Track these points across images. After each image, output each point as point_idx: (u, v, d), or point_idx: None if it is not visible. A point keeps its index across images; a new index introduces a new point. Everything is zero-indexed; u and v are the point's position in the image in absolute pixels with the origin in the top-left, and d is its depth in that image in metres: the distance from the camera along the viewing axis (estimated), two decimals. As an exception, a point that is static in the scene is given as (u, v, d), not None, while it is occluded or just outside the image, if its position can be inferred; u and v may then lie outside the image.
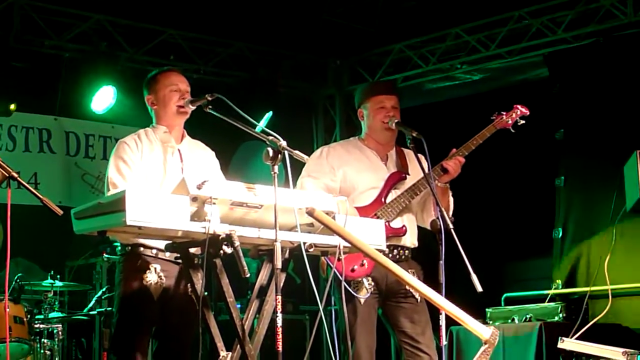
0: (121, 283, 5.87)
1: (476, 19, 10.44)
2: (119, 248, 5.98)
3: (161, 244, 5.71)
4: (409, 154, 6.26)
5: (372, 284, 5.95)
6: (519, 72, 10.70)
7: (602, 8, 9.62)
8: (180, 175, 5.24)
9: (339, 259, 5.63)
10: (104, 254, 7.82)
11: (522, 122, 6.16)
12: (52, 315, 7.58)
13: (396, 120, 6.08)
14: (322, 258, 5.68)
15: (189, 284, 5.77)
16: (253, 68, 10.97)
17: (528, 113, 6.19)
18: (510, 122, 6.14)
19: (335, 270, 5.67)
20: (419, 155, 5.86)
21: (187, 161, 5.98)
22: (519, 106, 6.17)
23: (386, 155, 6.30)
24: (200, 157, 6.12)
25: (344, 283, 5.47)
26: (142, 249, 5.82)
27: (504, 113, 6.15)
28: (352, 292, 5.84)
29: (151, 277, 5.78)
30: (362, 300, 5.92)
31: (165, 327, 5.90)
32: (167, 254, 5.76)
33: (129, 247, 5.84)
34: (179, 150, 5.99)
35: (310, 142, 11.23)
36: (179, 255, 5.47)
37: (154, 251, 5.82)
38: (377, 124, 6.20)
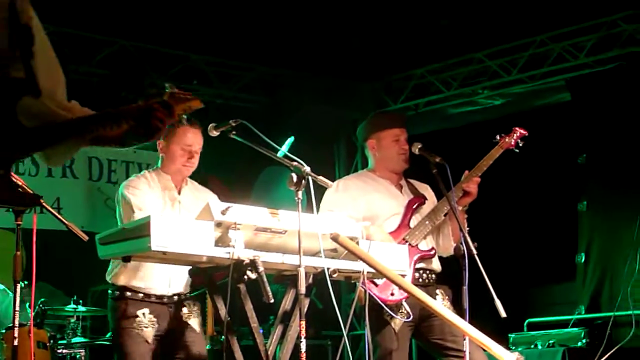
0: (116, 333, 5.89)
1: (498, 44, 10.47)
2: (109, 291, 5.96)
3: (148, 284, 5.85)
4: (417, 183, 6.42)
5: (408, 311, 5.94)
6: (541, 96, 10.70)
7: (625, 33, 9.63)
8: None
9: (375, 284, 5.76)
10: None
11: (522, 142, 6.24)
12: (74, 340, 7.58)
13: (420, 146, 6.11)
14: (360, 286, 5.66)
15: (183, 317, 5.88)
16: (275, 92, 11.00)
17: (527, 134, 6.26)
18: (513, 143, 6.23)
19: (375, 297, 5.77)
20: (448, 178, 5.90)
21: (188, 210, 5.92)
22: (517, 128, 6.26)
23: (399, 184, 6.37)
24: (203, 202, 6.10)
25: (367, 309, 5.48)
26: (129, 293, 5.82)
27: (505, 135, 6.25)
28: (392, 315, 5.84)
29: (142, 323, 5.80)
30: (399, 327, 5.92)
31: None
32: (155, 295, 5.85)
33: (117, 292, 5.86)
34: (179, 202, 6.04)
35: (332, 166, 11.23)
36: (171, 293, 5.66)
37: (140, 295, 5.84)
38: (392, 155, 6.26)
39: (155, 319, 5.85)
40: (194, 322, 5.95)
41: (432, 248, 6.15)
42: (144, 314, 5.82)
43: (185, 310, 5.92)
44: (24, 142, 3.07)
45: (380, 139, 6.31)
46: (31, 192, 4.85)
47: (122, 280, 5.83)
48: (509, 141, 6.20)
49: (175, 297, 5.90)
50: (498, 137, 6.22)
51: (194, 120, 5.74)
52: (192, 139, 5.96)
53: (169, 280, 5.80)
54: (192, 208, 5.83)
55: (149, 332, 5.82)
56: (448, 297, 6.00)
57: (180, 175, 6.06)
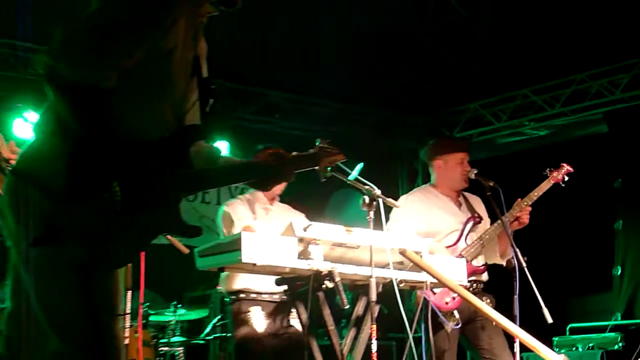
0: (233, 328, 6.04)
1: (543, 81, 10.43)
2: (226, 298, 6.10)
3: (258, 286, 5.96)
4: (471, 197, 6.42)
5: (458, 316, 5.97)
6: (581, 128, 10.65)
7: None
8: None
9: (433, 293, 5.75)
10: (217, 287, 7.93)
11: (567, 178, 6.22)
12: (173, 339, 7.68)
13: (475, 171, 6.14)
14: (418, 292, 5.69)
15: (288, 317, 5.95)
16: (344, 125, 11.05)
17: (572, 170, 6.22)
18: (560, 177, 6.20)
19: (434, 305, 5.76)
20: (501, 202, 5.92)
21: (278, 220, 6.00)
22: (565, 164, 6.23)
23: (458, 200, 6.36)
24: (291, 218, 6.11)
25: (428, 313, 5.52)
26: (242, 295, 5.95)
27: (555, 170, 6.22)
28: (445, 321, 5.83)
29: (254, 317, 5.91)
30: (450, 329, 5.91)
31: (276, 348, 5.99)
32: (265, 294, 5.95)
33: (233, 296, 6.00)
34: (271, 211, 6.20)
35: (395, 188, 11.23)
36: (280, 292, 5.71)
37: (253, 295, 5.95)
38: (457, 175, 6.27)
39: (266, 314, 5.97)
40: (296, 323, 5.94)
41: (484, 264, 6.16)
42: (256, 310, 5.94)
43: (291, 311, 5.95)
44: (195, 182, 3.15)
45: (447, 161, 6.32)
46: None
47: (235, 285, 5.96)
48: (556, 176, 6.19)
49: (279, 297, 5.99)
50: (548, 171, 6.20)
51: None
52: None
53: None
54: (282, 220, 5.88)
55: (260, 325, 5.93)
56: (492, 304, 5.97)
57: (272, 195, 6.23)
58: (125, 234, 2.85)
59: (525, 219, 6.09)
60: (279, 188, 6.11)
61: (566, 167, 6.19)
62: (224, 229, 6.01)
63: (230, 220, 5.97)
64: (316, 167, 3.40)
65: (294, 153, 3.33)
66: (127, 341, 5.03)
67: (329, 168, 3.46)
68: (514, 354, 5.59)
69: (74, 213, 2.80)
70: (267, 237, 4.89)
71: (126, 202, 2.79)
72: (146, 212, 2.87)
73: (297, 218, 6.04)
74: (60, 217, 2.80)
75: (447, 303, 5.89)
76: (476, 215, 6.27)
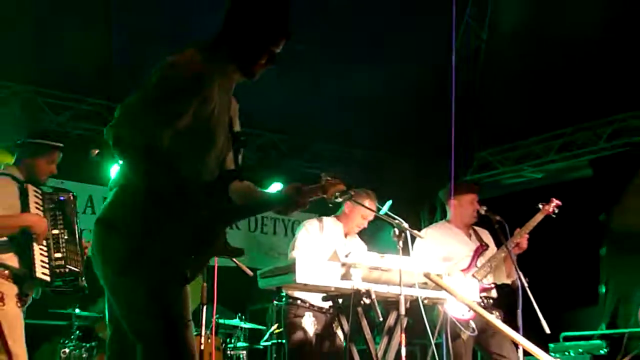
0: (287, 325, 5.99)
1: (540, 133, 10.46)
2: (285, 296, 6.03)
3: (312, 298, 5.91)
4: (479, 229, 6.41)
5: (474, 325, 5.96)
6: (571, 171, 10.58)
7: (631, 125, 9.60)
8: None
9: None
10: (274, 301, 7.94)
11: (558, 210, 6.21)
12: (239, 345, 7.64)
13: (485, 208, 6.17)
14: (439, 307, 5.69)
15: (333, 325, 5.86)
16: (379, 171, 11.05)
17: (561, 204, 6.21)
18: (550, 210, 6.20)
19: (453, 317, 5.78)
20: (505, 232, 5.94)
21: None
22: (554, 199, 6.22)
23: (469, 232, 6.37)
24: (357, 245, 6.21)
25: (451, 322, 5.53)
26: (299, 301, 5.93)
27: (546, 204, 6.22)
28: (463, 329, 5.83)
29: (306, 322, 5.88)
30: (466, 337, 5.91)
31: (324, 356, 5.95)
32: (317, 305, 5.91)
33: (291, 299, 5.97)
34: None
35: (418, 222, 11.21)
36: (328, 305, 5.65)
37: (307, 304, 5.94)
38: (469, 212, 6.31)
39: (316, 321, 5.94)
40: (340, 332, 5.87)
41: (493, 283, 6.15)
42: (309, 315, 5.93)
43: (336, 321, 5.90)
44: (235, 214, 3.28)
45: (461, 200, 6.36)
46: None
47: (295, 293, 5.94)
48: (547, 208, 6.21)
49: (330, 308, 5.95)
50: (540, 205, 6.22)
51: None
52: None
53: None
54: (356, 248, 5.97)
55: (310, 328, 5.91)
56: (500, 317, 5.95)
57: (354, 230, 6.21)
58: (189, 259, 2.95)
59: (524, 244, 6.11)
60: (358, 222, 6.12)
61: (555, 202, 6.20)
62: (292, 251, 6.01)
63: (296, 244, 5.98)
64: (324, 196, 3.43)
65: (308, 187, 3.38)
66: (202, 346, 5.06)
67: (337, 194, 3.49)
68: (517, 358, 5.60)
69: (148, 248, 2.90)
70: (317, 261, 4.93)
71: (189, 236, 2.91)
72: (202, 242, 2.95)
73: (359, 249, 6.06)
74: (138, 253, 2.91)
75: (463, 315, 5.87)
76: (484, 244, 6.29)
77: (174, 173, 2.88)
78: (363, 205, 5.68)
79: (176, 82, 2.88)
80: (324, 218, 6.20)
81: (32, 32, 8.25)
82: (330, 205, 3.89)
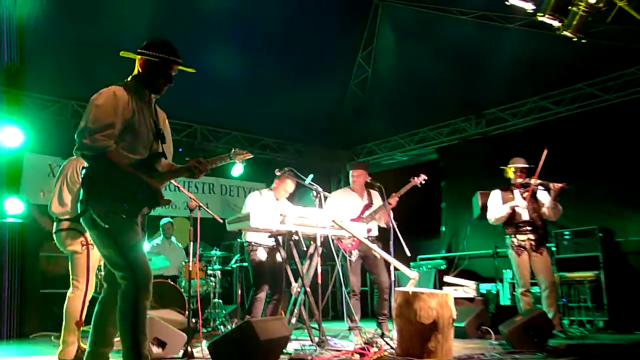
0: (249, 259, 5.87)
1: (408, 130, 10.41)
2: (245, 242, 5.90)
3: (262, 240, 5.79)
4: (372, 192, 6.26)
5: (358, 252, 5.91)
6: (424, 156, 10.60)
7: (461, 127, 9.61)
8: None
9: (340, 241, 5.65)
10: (238, 239, 7.79)
11: (423, 182, 6.11)
12: (215, 267, 7.45)
13: (370, 179, 6.11)
14: (336, 241, 5.63)
15: (277, 254, 5.82)
16: (307, 156, 10.93)
17: (427, 178, 6.12)
18: (418, 182, 6.08)
19: (342, 246, 5.75)
20: (382, 194, 5.89)
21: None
22: (422, 174, 6.11)
23: (363, 194, 6.25)
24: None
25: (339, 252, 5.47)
26: (253, 243, 5.82)
27: (416, 177, 6.10)
28: (348, 257, 5.81)
29: (259, 253, 5.79)
30: (355, 259, 5.88)
31: (273, 276, 5.85)
32: (264, 244, 5.79)
33: (247, 242, 5.86)
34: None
35: (329, 186, 11.20)
36: (271, 243, 5.57)
37: (259, 242, 5.82)
38: (361, 181, 6.21)
39: (266, 252, 5.80)
40: (279, 257, 5.78)
41: (370, 229, 6.03)
42: (260, 250, 5.80)
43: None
44: (161, 177, 3.27)
45: (357, 173, 6.24)
46: (198, 201, 4.86)
47: (248, 237, 5.84)
48: (416, 180, 6.08)
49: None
50: (411, 179, 6.10)
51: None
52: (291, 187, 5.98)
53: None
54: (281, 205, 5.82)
55: (262, 259, 5.78)
56: (380, 246, 5.88)
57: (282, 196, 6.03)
58: (124, 207, 3.01)
59: (394, 203, 5.98)
60: (283, 192, 5.97)
61: (422, 176, 6.10)
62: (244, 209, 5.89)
63: (245, 207, 5.87)
64: (232, 161, 3.42)
65: (208, 159, 3.36)
66: (191, 268, 4.89)
67: (243, 161, 3.50)
68: (389, 272, 5.58)
69: (94, 207, 2.99)
70: (265, 214, 4.84)
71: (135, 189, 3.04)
72: (134, 195, 3.04)
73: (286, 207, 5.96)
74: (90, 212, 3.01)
75: (351, 245, 5.83)
76: (369, 202, 6.19)
77: (122, 156, 3.04)
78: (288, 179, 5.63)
79: (102, 106, 3.03)
80: (263, 190, 6.08)
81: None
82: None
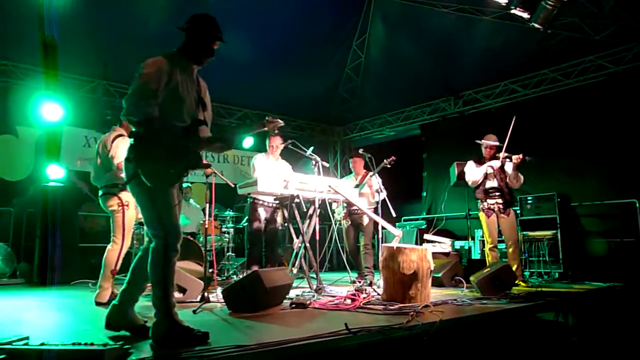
0: (250, 213, 5.78)
1: (393, 110, 10.30)
2: (249, 198, 5.80)
3: (264, 198, 5.68)
4: (368, 173, 6.10)
5: (350, 220, 5.87)
6: (409, 131, 10.53)
7: (441, 107, 9.50)
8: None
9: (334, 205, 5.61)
10: (249, 200, 7.74)
11: (393, 162, 5.89)
12: (229, 226, 7.43)
13: (362, 150, 6.02)
14: (334, 207, 5.57)
15: (277, 215, 5.75)
16: (306, 131, 10.85)
17: (395, 159, 5.90)
18: (388, 162, 5.91)
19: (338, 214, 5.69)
20: (372, 163, 5.79)
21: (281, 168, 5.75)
22: (393, 157, 5.93)
23: (359, 173, 6.21)
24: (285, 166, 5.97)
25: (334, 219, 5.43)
26: (256, 200, 5.73)
27: (386, 159, 5.91)
28: (342, 220, 5.80)
29: (261, 212, 5.73)
30: (348, 223, 5.88)
31: (268, 234, 5.82)
32: (266, 202, 5.67)
33: (251, 198, 5.77)
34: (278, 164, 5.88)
35: (327, 158, 11.19)
36: (272, 202, 5.55)
37: (261, 201, 5.74)
38: (357, 168, 6.25)
39: (268, 212, 5.73)
40: (278, 218, 5.77)
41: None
42: (263, 209, 5.70)
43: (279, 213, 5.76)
44: (202, 144, 3.05)
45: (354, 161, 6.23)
46: (213, 169, 4.83)
47: (253, 194, 5.68)
48: (387, 162, 5.92)
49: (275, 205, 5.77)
50: (386, 160, 5.93)
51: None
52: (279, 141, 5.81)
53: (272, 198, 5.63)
54: (282, 168, 5.74)
55: (262, 216, 5.72)
56: (371, 209, 5.88)
57: (276, 156, 5.86)
58: (171, 170, 2.85)
59: (371, 182, 5.90)
60: (275, 148, 5.77)
61: (392, 158, 5.94)
62: (253, 173, 5.83)
63: (254, 168, 5.80)
64: (265, 129, 3.22)
65: (242, 128, 3.23)
66: (208, 226, 4.88)
67: (276, 129, 3.28)
68: (378, 231, 5.60)
69: (143, 167, 2.82)
70: (271, 179, 4.83)
71: (168, 157, 2.85)
72: (179, 159, 2.87)
73: (286, 168, 5.85)
74: (137, 171, 2.84)
75: (344, 210, 5.80)
76: (366, 173, 6.14)
77: (166, 122, 2.86)
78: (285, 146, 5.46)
79: (148, 74, 2.85)
80: (262, 153, 5.88)
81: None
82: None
